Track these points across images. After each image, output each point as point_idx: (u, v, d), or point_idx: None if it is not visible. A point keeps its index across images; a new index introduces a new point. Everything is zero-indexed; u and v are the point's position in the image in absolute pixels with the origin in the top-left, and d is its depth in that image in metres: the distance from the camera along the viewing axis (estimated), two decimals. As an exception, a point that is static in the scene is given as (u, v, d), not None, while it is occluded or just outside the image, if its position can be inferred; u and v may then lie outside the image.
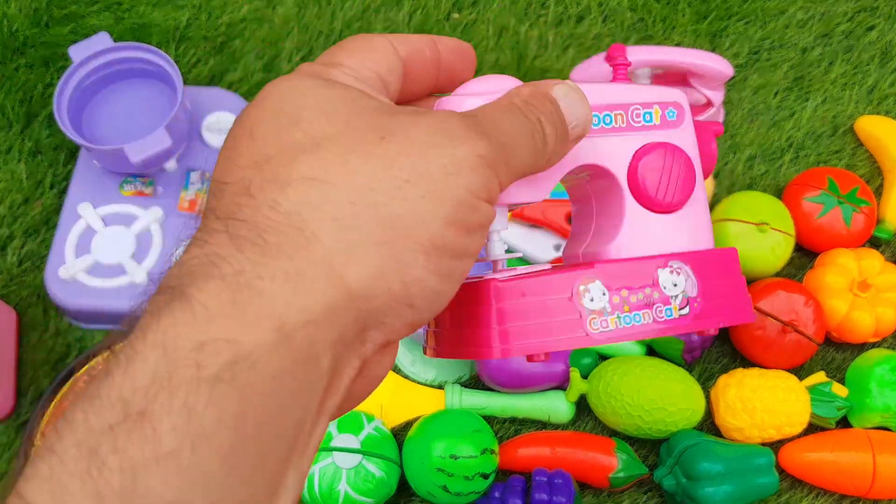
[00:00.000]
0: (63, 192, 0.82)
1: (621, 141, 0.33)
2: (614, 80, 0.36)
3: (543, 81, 0.29)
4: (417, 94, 0.32)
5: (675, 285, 0.32)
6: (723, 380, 0.74)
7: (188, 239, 0.25)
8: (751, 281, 0.77)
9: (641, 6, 0.91)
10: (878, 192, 0.84)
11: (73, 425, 0.21)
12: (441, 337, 0.32)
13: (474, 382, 0.77)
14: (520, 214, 0.79)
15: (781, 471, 0.72)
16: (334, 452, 0.69)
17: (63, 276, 0.76)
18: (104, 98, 0.82)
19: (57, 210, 0.81)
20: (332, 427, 0.70)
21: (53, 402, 0.74)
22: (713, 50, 0.89)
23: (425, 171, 0.25)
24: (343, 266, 0.24)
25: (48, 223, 0.81)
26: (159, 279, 0.24)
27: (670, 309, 0.32)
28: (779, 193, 0.83)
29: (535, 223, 0.79)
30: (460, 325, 0.31)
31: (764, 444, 0.72)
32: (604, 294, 0.31)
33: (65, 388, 0.74)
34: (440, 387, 0.76)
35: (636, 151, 0.33)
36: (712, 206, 0.81)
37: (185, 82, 0.86)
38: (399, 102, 0.31)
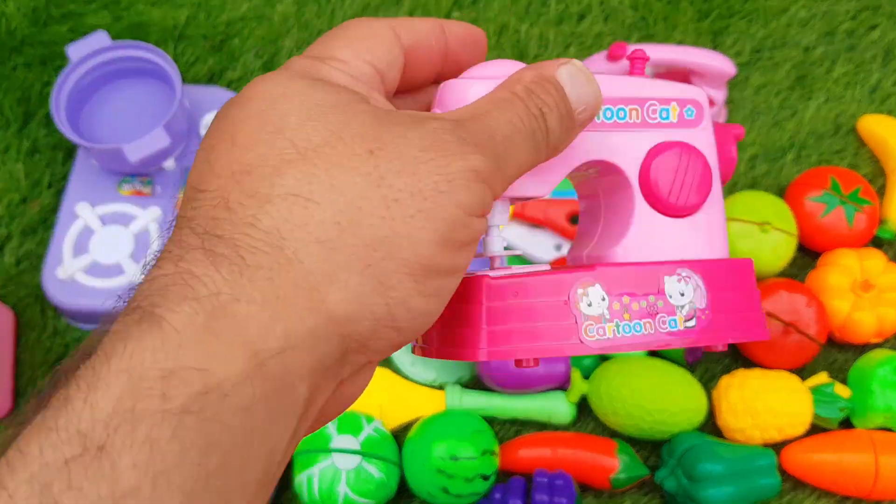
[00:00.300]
0: (61, 191, 0.82)
1: (635, 137, 0.31)
2: (631, 74, 0.33)
3: (548, 63, 0.27)
4: (420, 82, 0.30)
5: (683, 295, 0.30)
6: (725, 380, 0.73)
7: (160, 250, 0.24)
8: (753, 281, 0.77)
9: (643, 5, 0.91)
10: (881, 191, 0.84)
11: (27, 458, 0.20)
12: (430, 335, 0.31)
13: (475, 383, 0.76)
14: (521, 214, 0.78)
15: (783, 472, 0.72)
16: (334, 454, 0.68)
17: (61, 276, 0.75)
18: (102, 97, 0.82)
19: (54, 210, 0.81)
20: (332, 428, 0.70)
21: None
22: (715, 49, 0.89)
23: (416, 190, 0.24)
24: (325, 290, 0.23)
25: (46, 223, 0.81)
26: (128, 294, 0.23)
27: (675, 320, 0.30)
28: (781, 193, 0.83)
29: (536, 223, 0.79)
30: (449, 323, 0.29)
31: (766, 446, 0.72)
32: (603, 299, 0.29)
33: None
34: (440, 387, 0.75)
35: (650, 150, 0.31)
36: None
37: (184, 81, 0.85)
38: (398, 91, 0.30)
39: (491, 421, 0.74)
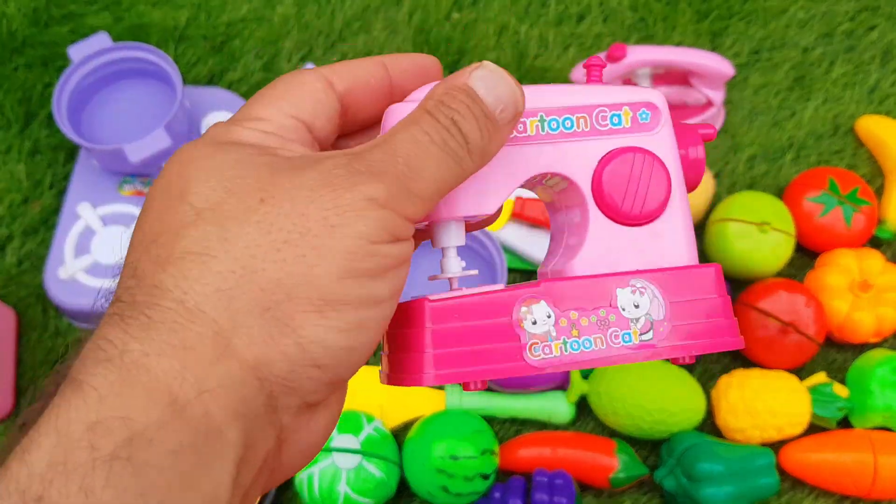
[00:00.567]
0: (62, 192, 0.82)
1: (585, 146, 0.30)
2: (588, 82, 0.32)
3: (459, 72, 0.27)
4: (367, 121, 0.30)
5: (637, 307, 0.29)
6: (724, 380, 0.73)
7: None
8: (751, 281, 0.77)
9: (642, 5, 0.91)
10: (879, 192, 0.84)
11: None
12: (387, 362, 0.30)
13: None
14: (520, 214, 0.79)
15: (782, 471, 0.72)
16: (334, 453, 0.69)
17: (62, 276, 0.76)
18: (103, 98, 0.82)
19: (56, 210, 0.81)
20: (332, 428, 0.70)
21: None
22: (714, 50, 0.89)
23: (305, 229, 0.24)
24: (230, 336, 0.23)
25: (47, 223, 0.81)
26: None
27: (629, 333, 0.29)
28: (780, 193, 0.83)
29: (535, 223, 0.79)
30: (397, 349, 0.29)
31: (765, 445, 0.72)
32: (549, 316, 0.29)
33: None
34: (440, 387, 0.76)
35: (602, 158, 0.30)
36: (713, 205, 0.81)
37: (185, 82, 0.85)
38: (344, 134, 0.30)
39: (491, 420, 0.75)
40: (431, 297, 0.28)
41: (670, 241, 0.31)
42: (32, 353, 0.77)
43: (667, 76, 0.84)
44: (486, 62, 0.27)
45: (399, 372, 0.29)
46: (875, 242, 0.82)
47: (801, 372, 0.76)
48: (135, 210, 0.78)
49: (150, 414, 0.22)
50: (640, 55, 0.80)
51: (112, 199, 0.79)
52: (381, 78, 0.30)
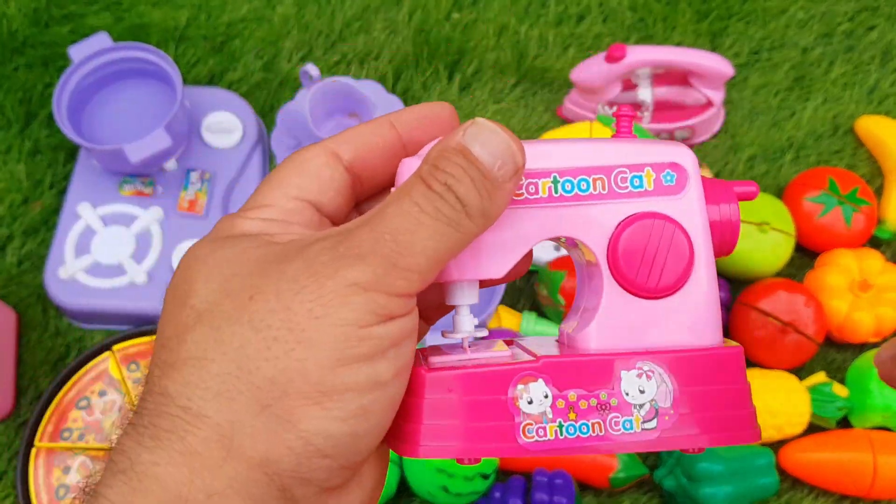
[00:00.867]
0: (62, 192, 0.82)
1: (602, 210, 0.28)
2: (617, 135, 0.30)
3: (453, 132, 0.26)
4: (384, 183, 0.30)
5: (643, 392, 0.27)
6: (723, 380, 0.73)
7: None
8: (751, 281, 0.77)
9: (642, 6, 0.91)
10: (879, 192, 0.84)
11: None
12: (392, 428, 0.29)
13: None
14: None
15: (782, 471, 0.72)
16: (334, 453, 0.69)
17: (62, 276, 0.76)
18: (104, 98, 0.82)
19: (56, 210, 0.81)
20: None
21: (53, 403, 0.74)
22: (714, 50, 0.89)
23: (293, 324, 0.24)
24: (234, 437, 0.24)
25: (48, 223, 0.81)
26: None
27: (630, 420, 0.27)
28: (779, 193, 0.83)
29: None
30: (398, 416, 0.28)
31: (764, 445, 0.72)
32: (546, 396, 0.27)
33: (65, 388, 0.74)
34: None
35: (619, 224, 0.28)
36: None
37: (185, 82, 0.86)
38: (360, 201, 0.30)
39: (490, 420, 0.75)
40: (431, 363, 0.28)
41: (689, 317, 0.28)
42: (32, 353, 0.78)
43: (666, 76, 0.84)
44: (478, 119, 0.26)
45: (395, 438, 0.28)
46: (875, 242, 0.82)
47: (800, 372, 0.76)
48: (135, 210, 0.78)
49: None
50: (640, 55, 0.80)
51: (112, 199, 0.79)
52: (389, 138, 0.29)
